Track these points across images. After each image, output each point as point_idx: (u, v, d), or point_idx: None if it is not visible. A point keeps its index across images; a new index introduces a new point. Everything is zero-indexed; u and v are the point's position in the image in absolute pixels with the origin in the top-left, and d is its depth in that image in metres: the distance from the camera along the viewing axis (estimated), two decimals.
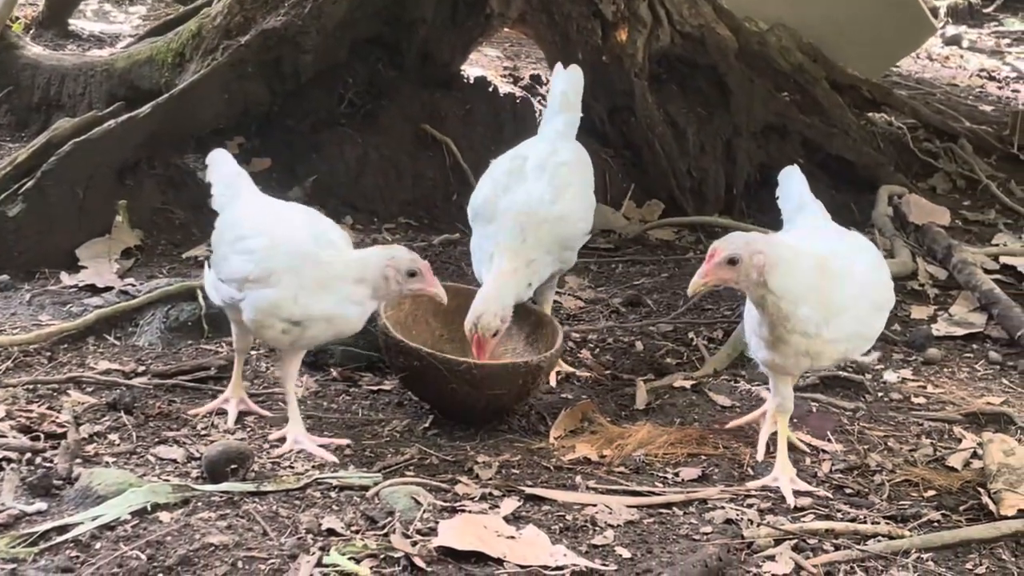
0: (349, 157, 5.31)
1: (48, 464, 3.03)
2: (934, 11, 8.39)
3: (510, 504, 3.01)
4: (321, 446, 3.24)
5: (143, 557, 2.64)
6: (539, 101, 6.11)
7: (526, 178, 3.72)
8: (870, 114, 6.35)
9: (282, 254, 3.18)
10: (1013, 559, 2.98)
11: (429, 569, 2.70)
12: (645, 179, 5.61)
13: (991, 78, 8.63)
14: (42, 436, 3.20)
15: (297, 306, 3.15)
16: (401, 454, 3.27)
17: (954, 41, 9.59)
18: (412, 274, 3.20)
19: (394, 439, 3.38)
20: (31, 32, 7.19)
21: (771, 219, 5.49)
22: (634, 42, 5.53)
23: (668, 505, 3.09)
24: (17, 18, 7.17)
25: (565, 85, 3.94)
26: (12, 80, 5.78)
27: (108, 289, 4.22)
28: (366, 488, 3.04)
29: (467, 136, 5.51)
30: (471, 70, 6.16)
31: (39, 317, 3.99)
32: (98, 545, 2.69)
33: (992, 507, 3.18)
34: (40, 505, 2.86)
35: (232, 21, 5.20)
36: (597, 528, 2.96)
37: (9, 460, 3.05)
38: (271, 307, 3.16)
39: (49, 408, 3.36)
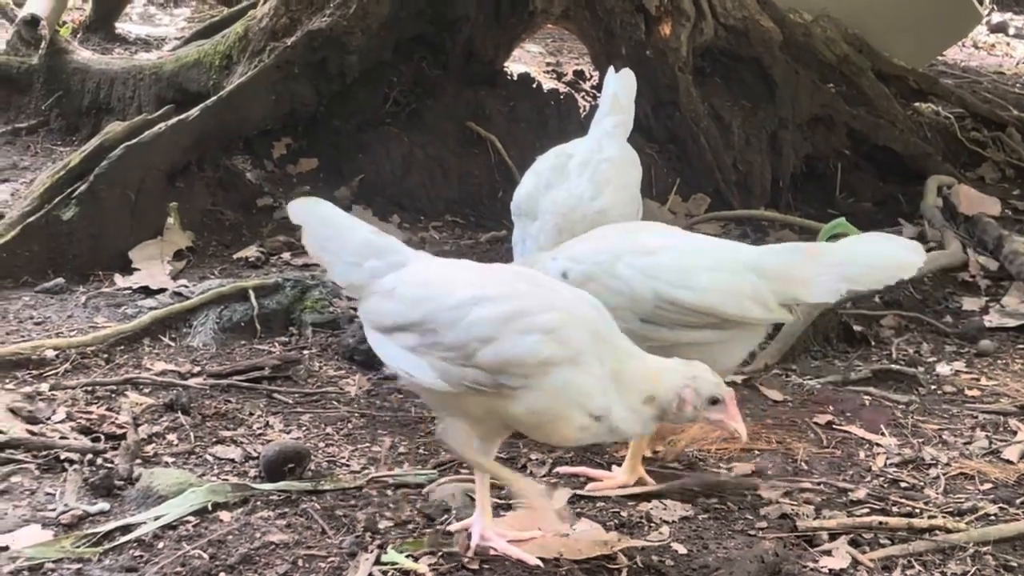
0: (395, 156, 5.34)
1: (109, 465, 3.06)
2: None
3: (563, 494, 2.98)
4: (511, 541, 2.72)
5: (205, 556, 2.67)
6: (583, 97, 6.12)
7: (568, 176, 3.69)
8: (917, 104, 6.30)
9: (583, 331, 2.59)
10: None
11: (486, 567, 2.71)
12: (690, 173, 5.60)
13: None
14: (102, 437, 3.23)
15: (605, 396, 2.56)
16: (454, 452, 3.28)
17: (1000, 28, 9.49)
18: (714, 401, 2.63)
19: None
20: (79, 36, 7.29)
21: (817, 211, 5.52)
22: (678, 36, 5.52)
23: (723, 500, 3.10)
24: (65, 22, 7.25)
25: (616, 87, 3.93)
26: (62, 85, 5.86)
27: (161, 291, 4.25)
28: (421, 486, 3.06)
29: (512, 133, 5.52)
30: (514, 67, 6.18)
31: (95, 319, 4.02)
32: (161, 544, 2.72)
33: None
34: (103, 505, 2.89)
35: (278, 23, 5.24)
36: (652, 524, 2.95)
37: (71, 461, 3.08)
38: (578, 393, 2.55)
39: (108, 409, 3.39)
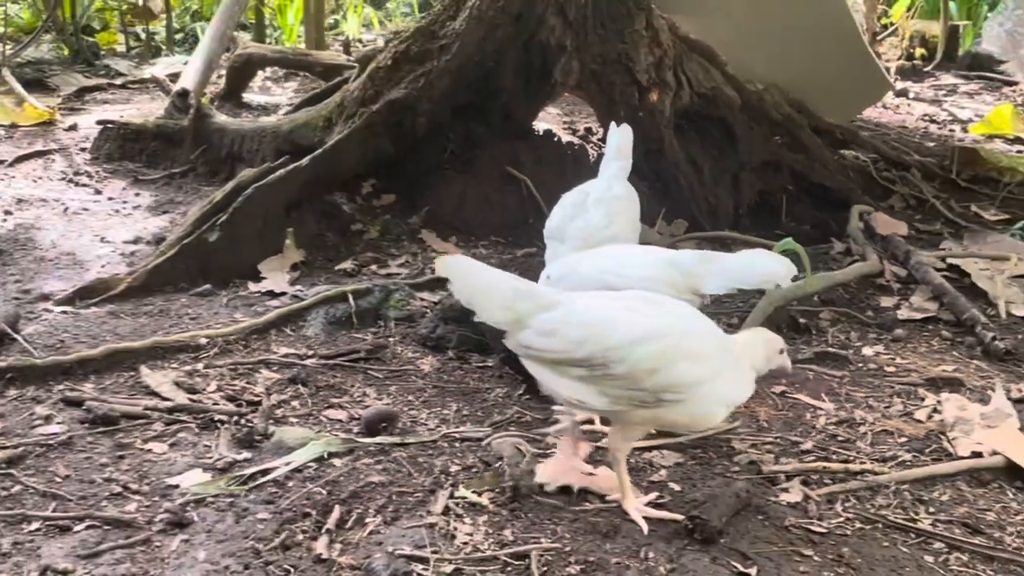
0: (453, 193, 5.33)
1: (250, 424, 3.09)
2: (887, 71, 8.23)
3: (585, 448, 3.02)
4: (646, 518, 2.64)
5: (324, 492, 2.70)
6: (591, 147, 6.11)
7: (587, 209, 3.69)
8: (842, 151, 6.26)
9: (714, 344, 2.63)
10: (969, 488, 2.96)
11: (532, 497, 2.72)
12: (673, 204, 5.57)
13: (932, 121, 8.44)
14: (244, 403, 3.26)
15: (735, 386, 2.64)
16: (504, 414, 3.29)
17: (902, 93, 9.39)
18: (781, 351, 2.79)
19: (498, 403, 3.40)
20: (215, 104, 7.31)
21: (768, 232, 5.49)
22: (663, 101, 5.49)
23: (705, 450, 3.10)
24: (205, 93, 7.29)
25: (619, 139, 3.93)
26: (206, 140, 5.88)
27: (283, 294, 4.27)
28: (480, 440, 3.08)
29: (539, 175, 5.49)
30: (540, 125, 6.15)
31: (234, 315, 4.05)
32: (291, 483, 2.76)
33: (951, 449, 3.15)
34: (247, 454, 2.93)
35: (366, 94, 5.25)
36: (653, 468, 2.97)
37: (222, 421, 3.12)
38: (720, 395, 2.59)
39: (247, 383, 3.43)
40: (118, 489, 2.72)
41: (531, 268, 4.80)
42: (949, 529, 2.74)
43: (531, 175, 5.47)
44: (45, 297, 4.17)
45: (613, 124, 4.10)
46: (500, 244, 5.22)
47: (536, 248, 4.99)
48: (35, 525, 2.55)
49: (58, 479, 2.77)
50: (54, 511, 2.61)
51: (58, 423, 3.08)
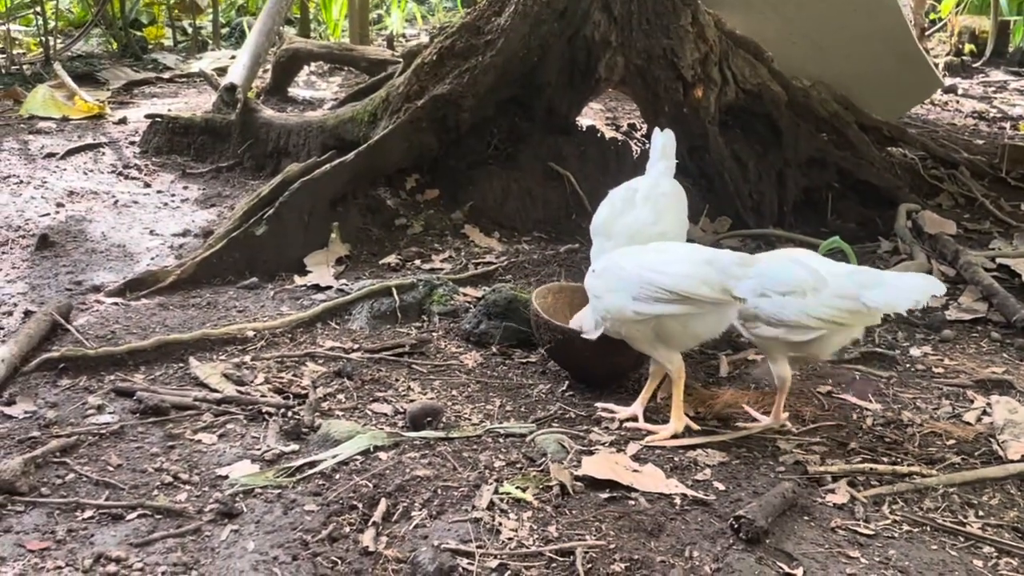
0: (496, 188, 5.34)
1: (297, 417, 3.11)
2: (936, 67, 8.09)
3: (633, 447, 3.02)
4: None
5: (370, 485, 2.72)
6: (635, 143, 6.07)
7: (635, 206, 3.67)
8: (890, 148, 6.17)
9: None
10: (1019, 492, 2.90)
11: (577, 494, 2.72)
12: (716, 201, 5.54)
13: (981, 118, 8.30)
14: (291, 396, 3.29)
15: None
16: (547, 410, 3.29)
17: (951, 90, 9.25)
18: None
19: (541, 399, 3.40)
20: (261, 98, 7.39)
21: (813, 230, 5.44)
22: (708, 98, 5.46)
23: (750, 450, 3.08)
24: (252, 88, 7.37)
25: (663, 141, 3.89)
26: (253, 135, 5.94)
27: (328, 288, 4.30)
28: (524, 436, 3.08)
29: (582, 170, 5.50)
30: (583, 120, 6.15)
31: (280, 309, 4.08)
32: (337, 476, 2.78)
33: (1001, 453, 3.10)
34: (294, 446, 2.95)
35: (411, 89, 5.27)
36: (698, 467, 2.95)
37: (270, 414, 3.15)
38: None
39: (294, 375, 3.45)
40: (169, 479, 2.76)
41: (573, 264, 4.81)
42: (998, 533, 2.69)
43: (574, 170, 5.47)
44: (96, 288, 4.25)
45: (657, 129, 4.08)
46: (543, 239, 5.22)
47: (579, 243, 4.99)
48: (88, 513, 2.59)
49: (111, 468, 2.82)
50: (107, 499, 2.66)
51: (110, 413, 3.13)
